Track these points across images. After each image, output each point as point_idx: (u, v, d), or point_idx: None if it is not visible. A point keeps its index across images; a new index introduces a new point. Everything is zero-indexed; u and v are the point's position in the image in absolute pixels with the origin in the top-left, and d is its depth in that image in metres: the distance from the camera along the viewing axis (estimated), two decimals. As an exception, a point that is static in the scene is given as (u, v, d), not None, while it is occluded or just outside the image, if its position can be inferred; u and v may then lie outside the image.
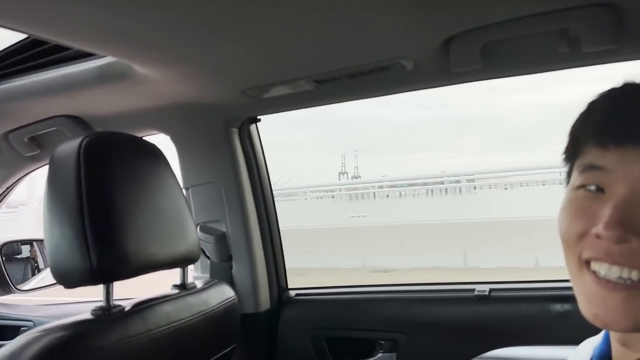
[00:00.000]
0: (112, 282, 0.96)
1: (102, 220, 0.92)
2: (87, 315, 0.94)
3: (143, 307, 1.00)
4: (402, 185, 12.37)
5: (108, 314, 0.95)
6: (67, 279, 0.93)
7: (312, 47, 1.02)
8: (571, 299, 0.56)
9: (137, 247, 0.96)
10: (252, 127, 1.55)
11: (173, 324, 1.03)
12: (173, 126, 1.48)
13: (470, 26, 0.95)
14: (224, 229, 1.51)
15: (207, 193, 1.51)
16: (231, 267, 1.52)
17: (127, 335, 0.93)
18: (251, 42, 0.97)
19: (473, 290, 1.34)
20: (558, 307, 1.25)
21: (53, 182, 0.95)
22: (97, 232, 0.90)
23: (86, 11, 0.82)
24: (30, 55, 1.23)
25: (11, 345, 0.85)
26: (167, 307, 1.05)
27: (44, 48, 1.20)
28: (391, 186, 12.48)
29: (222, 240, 1.50)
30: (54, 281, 2.28)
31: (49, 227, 0.93)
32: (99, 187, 0.93)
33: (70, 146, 0.95)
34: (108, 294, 0.96)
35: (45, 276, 2.29)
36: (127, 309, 0.98)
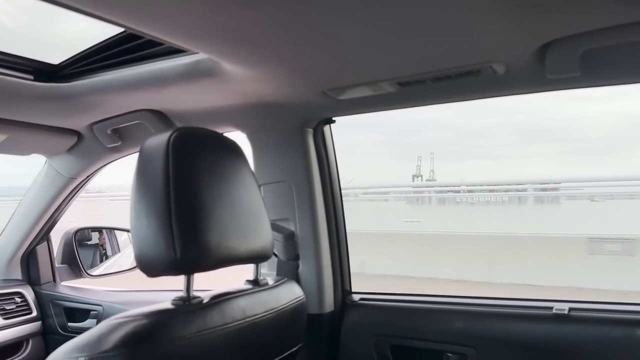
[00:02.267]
0: (194, 273, 0.98)
1: (188, 213, 0.94)
2: (168, 305, 0.96)
3: (220, 300, 1.01)
4: (480, 191, 11.85)
5: (188, 305, 0.96)
6: (151, 267, 0.95)
7: (398, 49, 1.01)
8: None
9: (219, 240, 0.97)
10: (326, 128, 1.55)
11: (248, 319, 1.04)
12: (250, 124, 1.50)
13: (570, 32, 0.91)
14: (292, 228, 1.52)
15: (279, 191, 1.52)
16: (297, 267, 1.52)
17: (206, 326, 0.94)
18: (338, 41, 0.96)
19: (551, 308, 1.28)
20: None
21: (142, 173, 0.97)
22: (183, 223, 0.92)
23: (184, 7, 0.83)
24: (123, 50, 1.28)
25: (98, 328, 0.88)
26: (243, 302, 1.06)
27: (136, 43, 1.24)
28: (469, 191, 11.96)
29: (290, 239, 1.51)
30: (122, 268, 2.38)
31: (135, 216, 0.95)
32: (186, 180, 0.95)
33: (159, 139, 0.97)
34: (189, 284, 0.98)
35: (113, 263, 2.39)
36: (205, 301, 0.99)
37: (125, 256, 2.40)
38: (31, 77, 1.31)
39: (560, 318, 1.26)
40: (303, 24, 0.88)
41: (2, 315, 1.83)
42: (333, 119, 1.52)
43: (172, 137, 0.96)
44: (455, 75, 1.09)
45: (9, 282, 2.01)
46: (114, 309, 1.94)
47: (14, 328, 1.87)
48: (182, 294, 0.98)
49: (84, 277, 2.18)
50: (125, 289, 2.11)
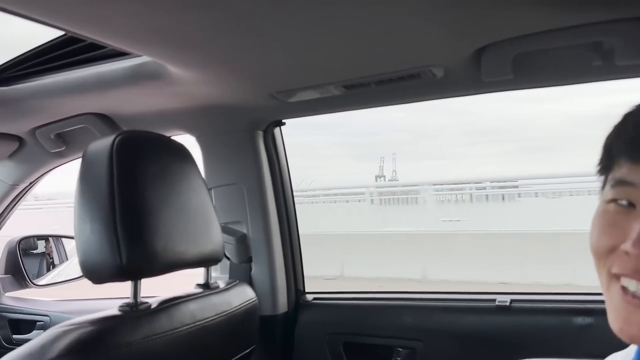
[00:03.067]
0: (141, 278, 0.97)
1: (133, 217, 0.93)
2: (115, 311, 0.95)
3: (169, 304, 1.01)
4: (442, 190, 11.96)
5: (135, 311, 0.96)
6: (97, 274, 0.94)
7: (343, 53, 1.03)
8: (594, 312, 0.56)
9: (166, 244, 0.97)
10: (277, 130, 1.57)
11: (198, 323, 1.04)
12: (199, 127, 1.50)
13: (503, 37, 0.96)
14: (244, 231, 1.52)
15: (230, 194, 1.52)
16: (250, 269, 1.53)
17: (154, 332, 0.94)
18: (284, 45, 0.98)
19: (494, 300, 1.33)
20: (580, 320, 1.24)
21: (85, 178, 0.96)
22: (128, 228, 0.91)
23: (126, 10, 0.83)
24: (65, 53, 1.25)
25: (42, 337, 0.86)
26: (192, 306, 1.06)
27: (79, 46, 1.22)
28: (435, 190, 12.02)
29: (242, 241, 1.51)
30: (69, 277, 2.31)
31: (79, 222, 0.94)
32: (131, 184, 0.94)
33: (103, 143, 0.96)
34: (136, 290, 0.97)
35: (60, 272, 2.32)
36: (153, 306, 0.99)
37: (73, 264, 2.33)
38: None
39: (502, 310, 1.32)
40: (245, 28, 0.89)
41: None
42: (283, 121, 1.54)
43: (116, 140, 0.95)
44: (397, 78, 1.13)
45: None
46: (62, 319, 1.87)
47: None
48: (129, 300, 0.97)
49: (30, 288, 2.11)
50: (73, 298, 2.05)
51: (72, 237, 2.33)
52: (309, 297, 1.60)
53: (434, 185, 11.77)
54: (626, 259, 0.53)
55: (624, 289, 0.54)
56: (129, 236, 0.91)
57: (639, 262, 0.51)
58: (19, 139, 1.62)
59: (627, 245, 0.52)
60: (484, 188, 11.02)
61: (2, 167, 1.75)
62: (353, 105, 1.37)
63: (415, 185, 11.96)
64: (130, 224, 0.92)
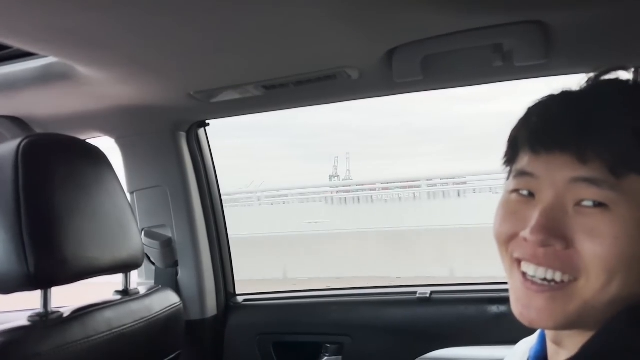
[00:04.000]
0: (51, 287, 0.94)
1: (40, 224, 0.90)
2: (24, 322, 0.92)
3: (82, 313, 0.98)
4: (394, 188, 11.93)
5: (46, 320, 0.92)
6: (3, 284, 0.90)
7: (260, 54, 1.04)
8: (506, 301, 0.59)
9: (77, 251, 0.94)
10: (201, 131, 1.55)
11: (114, 330, 1.01)
12: (118, 129, 1.46)
13: (411, 39, 0.99)
14: (169, 234, 1.50)
15: (153, 197, 1.49)
16: (177, 273, 1.50)
17: (65, 342, 0.91)
18: (197, 45, 0.97)
19: (415, 292, 1.38)
20: (494, 308, 1.31)
21: None
22: (35, 235, 0.88)
23: (26, 9, 0.80)
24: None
25: None
26: (108, 313, 1.03)
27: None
28: (384, 188, 12.09)
29: (167, 245, 1.49)
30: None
31: None
32: (38, 189, 0.91)
33: (7, 147, 0.92)
34: (46, 299, 0.94)
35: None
36: (65, 315, 0.96)
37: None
38: None
39: (423, 301, 1.37)
40: (149, 28, 0.88)
41: None
42: (207, 122, 1.52)
43: (22, 145, 0.91)
44: (315, 79, 1.15)
45: None
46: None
47: None
48: (40, 310, 0.94)
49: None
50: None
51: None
52: (240, 299, 1.60)
53: (387, 183, 11.91)
54: (525, 244, 0.56)
55: (524, 274, 0.57)
56: (36, 244, 0.88)
57: (537, 248, 0.54)
58: None
59: (526, 233, 0.55)
60: (419, 187, 11.28)
61: None
62: (274, 105, 1.38)
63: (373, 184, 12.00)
64: (37, 230, 0.89)
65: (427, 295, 1.37)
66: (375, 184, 12.20)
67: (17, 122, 1.38)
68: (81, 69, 1.07)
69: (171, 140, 1.46)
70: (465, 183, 11.45)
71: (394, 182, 12.14)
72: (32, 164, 0.91)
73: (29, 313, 0.95)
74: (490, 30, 0.96)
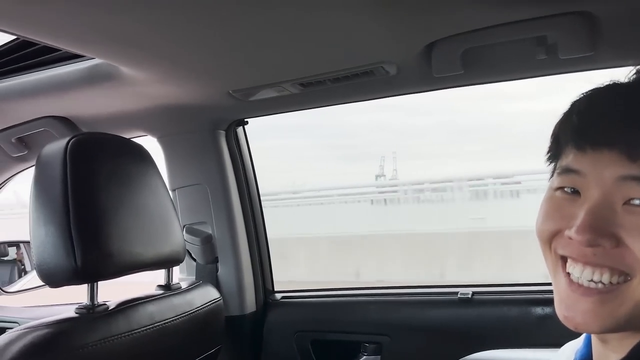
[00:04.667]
0: (96, 281, 0.97)
1: (87, 220, 0.93)
2: (71, 314, 0.95)
3: (126, 306, 1.01)
4: (444, 188, 11.56)
5: (92, 313, 0.96)
6: (52, 278, 0.94)
7: (297, 51, 1.04)
8: (551, 302, 0.57)
9: (121, 246, 0.97)
10: (240, 129, 1.57)
11: (156, 324, 1.04)
12: (160, 128, 1.50)
13: (451, 32, 0.97)
14: (210, 231, 1.52)
15: (194, 195, 1.52)
16: (217, 270, 1.53)
17: (110, 334, 0.94)
18: (236, 44, 0.98)
19: (456, 293, 1.35)
20: (539, 310, 1.26)
21: (39, 181, 0.96)
22: (82, 231, 0.91)
23: (74, 13, 0.83)
24: (19, 57, 1.24)
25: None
26: (151, 307, 1.06)
27: (33, 49, 1.21)
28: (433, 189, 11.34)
29: (208, 242, 1.51)
30: (41, 283, 2.29)
31: (34, 226, 0.94)
32: (85, 186, 0.94)
33: (56, 146, 0.96)
34: (92, 293, 0.97)
35: (32, 278, 2.29)
36: (110, 308, 0.99)
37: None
38: None
39: (464, 302, 1.34)
40: (189, 27, 0.89)
41: None
42: (245, 120, 1.54)
43: (70, 143, 0.95)
44: (352, 75, 1.14)
45: None
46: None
47: None
48: (86, 302, 0.97)
49: (0, 295, 2.08)
50: (43, 304, 2.03)
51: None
52: (278, 296, 1.61)
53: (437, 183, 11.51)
54: (570, 243, 0.54)
55: (569, 275, 0.55)
56: (83, 239, 0.91)
57: (582, 248, 0.52)
58: None
59: (571, 232, 0.53)
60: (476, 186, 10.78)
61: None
62: (311, 103, 1.38)
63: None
64: (84, 226, 0.92)
65: (469, 296, 1.34)
66: (423, 184, 11.92)
67: (65, 122, 1.44)
68: (125, 70, 1.10)
69: (211, 139, 1.49)
70: (519, 182, 11.00)
71: (443, 182, 11.81)
72: (79, 162, 0.94)
73: (76, 306, 0.98)
74: (534, 23, 0.93)
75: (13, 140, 1.53)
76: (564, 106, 0.61)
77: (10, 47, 1.23)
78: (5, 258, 2.26)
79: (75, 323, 0.93)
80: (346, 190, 12.08)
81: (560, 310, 0.56)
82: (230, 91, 1.25)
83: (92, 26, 0.87)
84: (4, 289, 2.10)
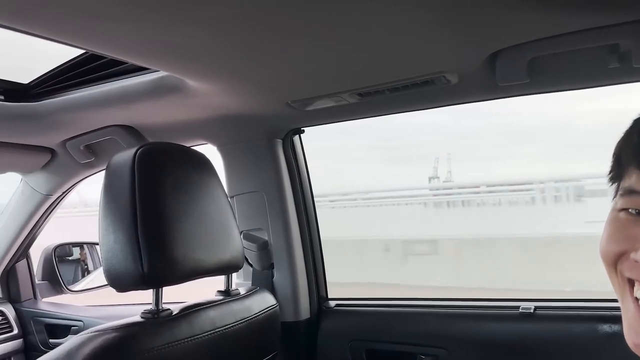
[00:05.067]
0: (162, 286, 1.00)
1: (154, 227, 0.96)
2: (137, 318, 0.98)
3: (190, 311, 1.04)
4: (502, 191, 10.92)
5: (157, 317, 0.98)
6: (119, 282, 0.97)
7: (356, 61, 1.04)
8: (620, 320, 0.55)
9: (185, 253, 0.99)
10: (296, 138, 1.58)
11: (217, 330, 1.06)
12: (220, 136, 1.53)
13: (517, 41, 0.95)
14: (266, 237, 1.54)
15: (251, 202, 1.54)
16: (272, 275, 1.55)
17: (174, 338, 0.96)
18: (297, 56, 1.00)
19: (518, 307, 1.31)
20: (607, 327, 1.21)
21: (109, 189, 0.99)
22: (149, 238, 0.94)
23: (141, 29, 0.86)
24: (89, 69, 1.30)
25: (68, 344, 0.90)
26: (212, 313, 1.08)
27: (102, 62, 1.27)
28: (489, 191, 11.08)
29: (264, 248, 1.53)
30: (103, 283, 2.39)
31: (104, 232, 0.98)
32: (151, 195, 0.97)
33: (126, 155, 0.99)
34: (157, 298, 1.00)
35: (95, 278, 2.40)
36: (174, 313, 1.01)
37: (99, 271, 2.41)
38: (1, 97, 1.32)
39: (526, 317, 1.30)
40: (251, 42, 0.91)
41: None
42: (302, 129, 1.55)
43: (138, 152, 0.98)
44: (411, 85, 1.13)
45: (-5, 299, 2.01)
46: (95, 324, 1.94)
47: (5, 343, 1.88)
48: (151, 307, 1.00)
49: (65, 293, 2.18)
50: (106, 304, 2.12)
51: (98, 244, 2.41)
52: (332, 303, 1.61)
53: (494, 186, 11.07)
54: (636, 266, 0.52)
55: (637, 301, 0.53)
56: (150, 246, 0.94)
57: None
58: (51, 151, 1.69)
59: (637, 255, 0.51)
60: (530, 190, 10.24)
61: (35, 177, 1.83)
62: (368, 112, 1.38)
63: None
64: (151, 233, 0.95)
65: (531, 311, 1.29)
66: (479, 187, 11.52)
67: (130, 130, 1.50)
68: (190, 82, 1.14)
69: (268, 147, 1.51)
70: (583, 187, 10.47)
71: (501, 185, 11.35)
72: (146, 171, 0.98)
73: (138, 309, 1.01)
74: (606, 30, 0.89)
75: (81, 148, 1.61)
76: (626, 108, 0.59)
77: (80, 60, 1.29)
78: (70, 258, 2.37)
79: (141, 327, 0.96)
80: (396, 192, 11.88)
81: (630, 336, 0.54)
82: (289, 101, 1.26)
83: (161, 42, 0.91)
84: (69, 287, 2.20)
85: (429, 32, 0.91)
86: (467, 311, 1.42)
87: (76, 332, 1.99)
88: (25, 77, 1.40)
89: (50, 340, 2.02)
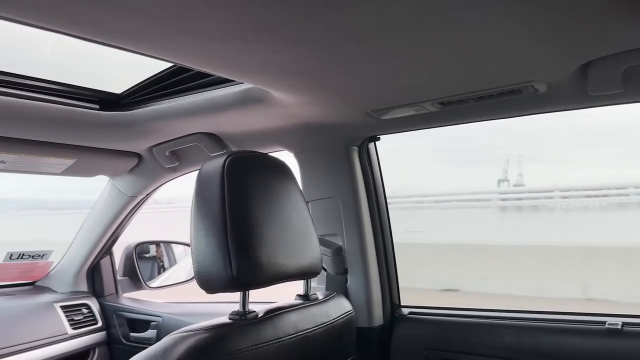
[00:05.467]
0: (248, 289, 1.04)
1: (242, 233, 1.00)
2: (226, 319, 1.02)
3: (274, 315, 1.07)
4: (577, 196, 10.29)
5: (244, 319, 1.02)
6: (210, 284, 1.02)
7: (441, 71, 1.04)
8: None
9: (270, 258, 1.02)
10: (371, 145, 1.60)
11: (300, 334, 1.09)
12: (298, 144, 1.57)
13: (611, 51, 0.92)
14: (340, 243, 1.56)
15: (326, 207, 1.57)
16: (346, 281, 1.56)
17: (260, 340, 0.99)
18: (379, 68, 1.01)
19: (604, 322, 1.26)
20: None
21: (200, 195, 1.04)
22: (238, 243, 0.98)
23: (240, 49, 0.90)
24: (177, 81, 1.37)
25: (162, 343, 0.95)
26: (294, 317, 1.11)
27: (189, 74, 1.33)
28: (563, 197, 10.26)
29: (338, 253, 1.55)
30: (178, 280, 2.48)
31: (196, 236, 1.02)
32: (240, 201, 1.01)
33: (215, 163, 1.04)
34: (244, 300, 1.03)
35: (170, 275, 2.51)
36: (259, 315, 1.05)
37: (180, 268, 2.52)
38: (97, 106, 1.42)
39: (613, 333, 1.24)
40: (346, 57, 0.93)
41: (71, 325, 1.97)
42: (377, 136, 1.56)
43: (227, 161, 1.03)
44: (497, 94, 1.11)
45: (77, 294, 2.15)
46: (172, 320, 2.05)
47: (82, 337, 2.01)
48: (237, 308, 1.04)
49: (144, 289, 2.30)
50: (182, 301, 2.21)
51: (180, 243, 2.52)
52: (405, 310, 1.61)
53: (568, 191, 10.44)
54: None
55: None
56: (239, 250, 0.98)
57: None
58: (138, 156, 1.79)
59: None
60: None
61: (122, 180, 1.95)
62: (449, 121, 1.37)
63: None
64: (239, 238, 0.99)
65: (619, 327, 1.24)
66: (552, 191, 10.92)
67: (213, 138, 1.57)
68: (274, 94, 1.18)
69: (344, 155, 1.53)
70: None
71: (577, 190, 10.65)
72: (235, 178, 1.02)
73: (226, 308, 1.05)
74: None
75: (167, 153, 1.70)
76: None
77: (169, 73, 1.37)
78: (147, 255, 2.49)
79: (230, 329, 1.00)
80: (464, 195, 11.51)
81: None
82: (368, 111, 1.28)
83: (257, 60, 0.95)
84: (147, 283, 2.32)
85: (520, 44, 0.89)
86: (548, 325, 1.37)
87: (155, 327, 2.09)
88: (117, 87, 1.49)
89: (132, 334, 2.13)
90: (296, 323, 1.10)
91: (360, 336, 1.43)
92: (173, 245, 2.57)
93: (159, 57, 0.94)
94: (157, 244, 2.56)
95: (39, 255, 2.14)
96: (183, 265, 2.53)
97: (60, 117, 1.39)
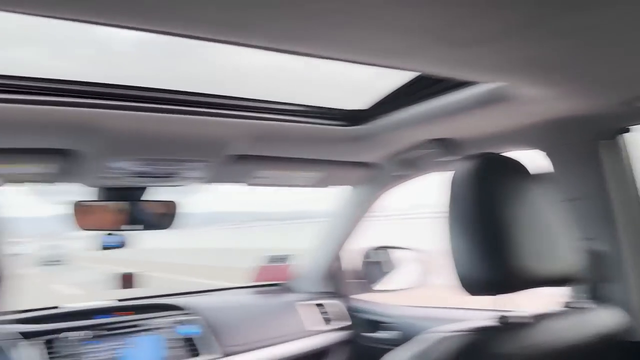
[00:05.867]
0: (508, 293, 1.02)
1: (497, 236, 0.98)
2: (490, 322, 1.02)
3: (537, 320, 1.03)
4: None
5: (506, 323, 1.01)
6: (470, 287, 1.02)
7: None
8: None
9: (523, 262, 0.99)
10: (622, 137, 1.44)
11: (563, 343, 1.03)
12: (540, 142, 1.49)
13: None
14: (600, 247, 1.43)
15: (578, 209, 1.46)
16: (611, 289, 1.42)
17: (521, 346, 0.97)
18: (636, 48, 0.91)
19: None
20: None
21: (453, 200, 1.06)
22: (494, 247, 0.97)
23: (486, 48, 0.90)
24: (415, 89, 1.43)
25: (421, 342, 0.98)
26: (557, 325, 1.05)
27: (427, 82, 1.38)
28: None
29: (599, 259, 1.42)
30: (400, 285, 2.54)
31: (453, 239, 1.04)
32: (488, 203, 1.01)
33: (466, 167, 1.05)
34: (504, 305, 1.02)
35: (393, 279, 2.59)
36: (523, 321, 1.02)
37: (402, 273, 2.59)
38: (345, 122, 1.57)
39: None
40: (609, 42, 0.86)
41: (320, 323, 2.19)
42: (628, 128, 1.40)
43: (478, 165, 1.03)
44: None
45: (322, 294, 2.37)
46: (411, 322, 2.10)
47: (329, 334, 2.22)
48: (497, 313, 1.03)
49: (376, 292, 2.42)
50: (418, 305, 2.25)
51: (401, 248, 2.60)
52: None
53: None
54: None
55: None
56: (496, 254, 0.97)
57: None
58: (376, 165, 1.91)
59: None
60: None
61: (359, 189, 2.09)
62: None
63: None
64: (495, 242, 0.98)
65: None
66: None
67: (450, 142, 1.59)
68: (521, 90, 1.14)
69: (594, 150, 1.41)
70: None
71: None
72: (485, 181, 1.02)
73: (488, 314, 1.05)
74: None
75: (400, 161, 1.78)
76: None
77: (410, 82, 1.43)
78: (376, 260, 2.62)
79: (494, 332, 0.99)
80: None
81: None
82: (623, 99, 1.16)
83: (512, 57, 0.93)
84: (377, 287, 2.43)
85: None
86: None
87: (386, 328, 2.18)
88: (358, 103, 1.62)
89: (373, 335, 2.24)
90: (559, 331, 1.05)
91: (635, 352, 1.29)
92: (394, 250, 2.67)
93: (407, 68, 0.99)
94: (388, 249, 2.68)
95: (286, 259, 2.44)
96: (405, 271, 2.60)
97: (312, 135, 1.56)
